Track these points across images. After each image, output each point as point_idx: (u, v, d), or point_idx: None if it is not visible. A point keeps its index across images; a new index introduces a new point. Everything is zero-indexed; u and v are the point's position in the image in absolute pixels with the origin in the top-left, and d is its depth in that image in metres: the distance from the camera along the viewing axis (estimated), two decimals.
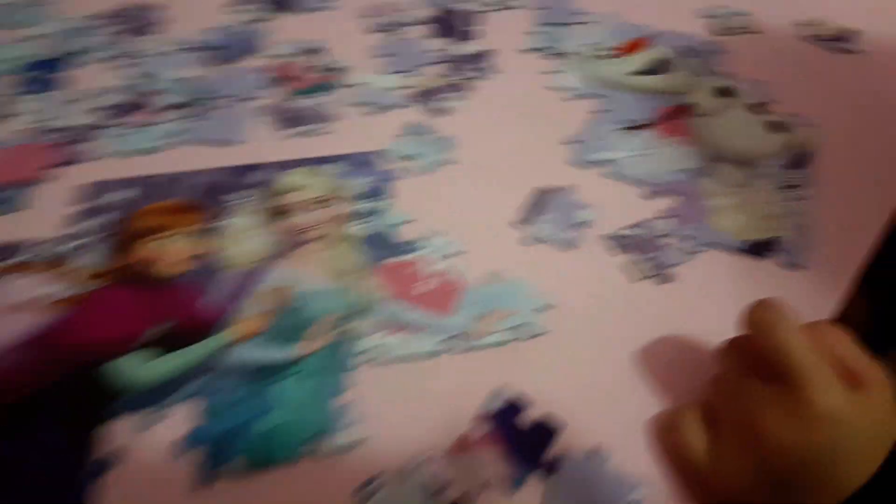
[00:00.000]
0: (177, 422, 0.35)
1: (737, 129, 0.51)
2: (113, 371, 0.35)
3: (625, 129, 0.52)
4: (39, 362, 0.35)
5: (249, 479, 0.33)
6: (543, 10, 0.62)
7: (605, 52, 0.58)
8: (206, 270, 0.41)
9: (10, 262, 0.40)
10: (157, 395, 0.35)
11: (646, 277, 0.42)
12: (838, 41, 0.60)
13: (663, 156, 0.49)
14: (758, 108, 0.53)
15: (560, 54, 0.58)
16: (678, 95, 0.54)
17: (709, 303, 0.41)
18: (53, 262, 0.40)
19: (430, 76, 0.55)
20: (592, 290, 0.41)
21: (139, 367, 0.35)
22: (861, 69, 0.57)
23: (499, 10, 0.62)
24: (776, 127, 0.52)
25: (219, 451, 0.34)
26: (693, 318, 0.40)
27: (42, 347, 0.36)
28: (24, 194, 0.44)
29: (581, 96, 0.54)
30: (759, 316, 0.32)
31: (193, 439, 0.34)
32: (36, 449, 0.33)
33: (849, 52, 0.59)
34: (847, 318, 0.41)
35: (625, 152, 0.50)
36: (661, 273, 0.42)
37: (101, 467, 0.33)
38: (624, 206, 0.46)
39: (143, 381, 0.35)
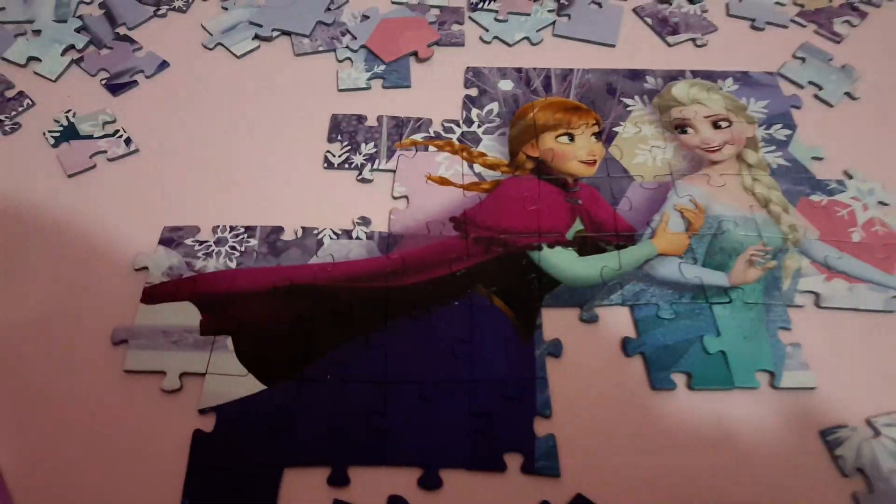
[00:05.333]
0: (611, 325, 0.36)
1: None
2: (540, 259, 0.37)
3: None
4: (466, 240, 0.37)
5: (694, 396, 0.34)
6: None
7: None
8: (611, 177, 0.41)
9: (427, 136, 0.42)
10: (586, 294, 0.37)
11: None
12: None
13: None
14: None
15: None
16: None
17: None
18: (462, 146, 0.42)
19: None
20: None
21: (567, 261, 0.37)
22: None
23: None
24: None
25: (663, 363, 0.35)
26: None
27: (466, 226, 0.38)
28: (413, 71, 0.46)
29: None
30: None
31: (637, 345, 0.35)
32: (478, 320, 0.35)
33: None
34: None
35: None
36: None
37: (551, 351, 0.35)
38: None
39: (571, 276, 0.37)
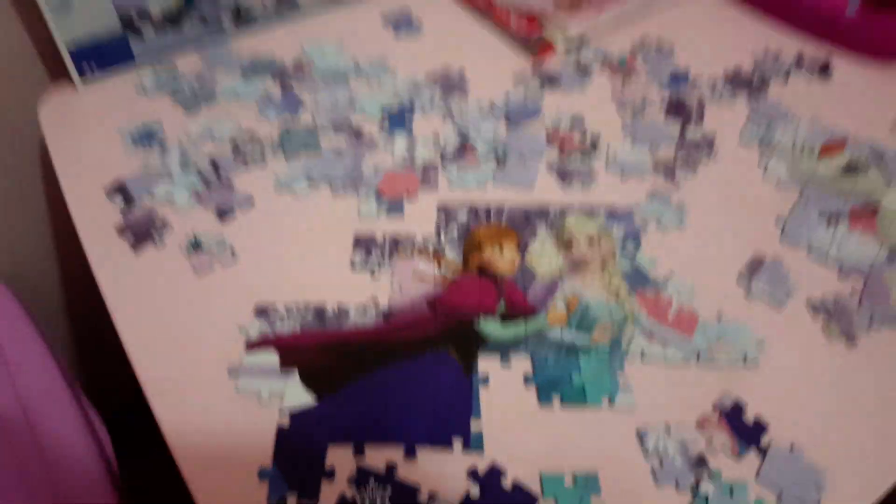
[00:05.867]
0: (518, 367, 0.59)
1: None
2: (479, 326, 0.61)
3: (823, 218, 0.72)
4: (435, 314, 0.62)
5: (564, 409, 0.56)
6: (757, 108, 0.84)
7: (808, 151, 0.79)
8: (523, 276, 0.66)
9: (412, 248, 0.67)
10: (505, 348, 0.60)
11: (838, 338, 0.62)
12: None
13: (855, 245, 0.69)
14: None
15: (770, 146, 0.79)
16: (869, 195, 0.74)
17: (887, 368, 0.61)
18: (435, 254, 0.67)
19: (666, 152, 0.78)
20: (797, 340, 0.62)
21: (495, 328, 0.61)
22: None
23: (721, 102, 0.84)
24: None
25: (547, 390, 0.58)
26: (872, 378, 0.60)
27: (435, 305, 0.62)
28: (406, 206, 0.71)
29: (787, 185, 0.75)
30: None
31: (532, 379, 0.58)
32: (441, 364, 0.59)
33: None
34: None
35: (824, 238, 0.70)
36: (850, 338, 0.62)
37: (483, 381, 0.58)
38: (822, 281, 0.66)
39: (497, 337, 0.61)
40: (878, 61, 0.90)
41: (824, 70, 0.90)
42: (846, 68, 0.90)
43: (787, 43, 0.93)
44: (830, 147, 0.80)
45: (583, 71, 0.88)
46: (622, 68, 0.89)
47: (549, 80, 0.86)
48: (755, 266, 0.68)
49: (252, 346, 0.60)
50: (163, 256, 0.66)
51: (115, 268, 0.66)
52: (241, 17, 0.87)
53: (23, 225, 0.98)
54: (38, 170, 0.94)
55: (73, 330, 1.14)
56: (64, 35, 0.77)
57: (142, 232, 0.67)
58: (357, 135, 0.78)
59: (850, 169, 0.77)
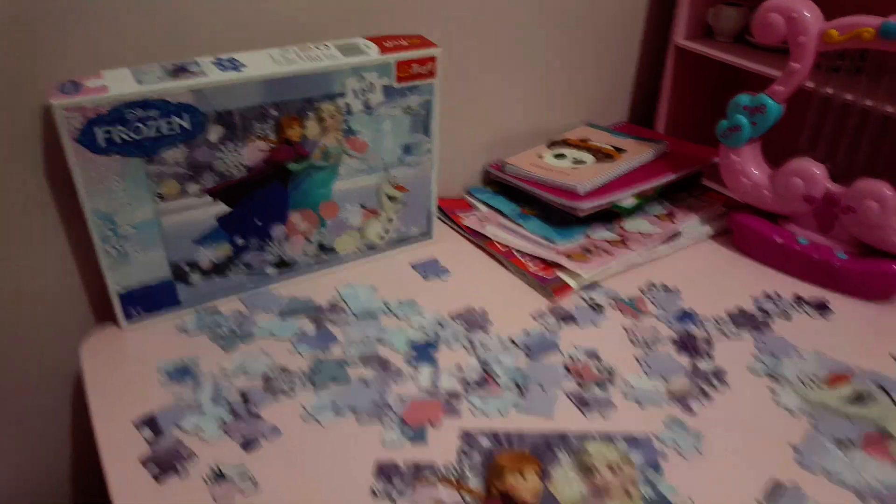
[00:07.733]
0: None
1: None
2: None
3: (838, 445, 0.79)
4: None
5: None
6: (762, 343, 0.96)
7: (815, 382, 0.89)
8: (547, 503, 0.71)
9: (435, 475, 0.74)
10: None
11: None
12: None
13: (873, 472, 0.75)
14: None
15: (778, 378, 0.90)
16: (878, 423, 0.81)
17: None
18: (458, 481, 0.73)
19: (679, 383, 0.89)
20: None
21: None
22: None
23: (728, 338, 0.97)
24: None
25: None
26: None
27: None
28: (429, 433, 0.80)
29: (799, 413, 0.83)
30: None
31: None
32: None
33: None
34: None
35: (841, 464, 0.76)
36: None
37: None
38: None
39: None
40: (871, 300, 1.06)
41: (823, 308, 1.05)
42: (843, 306, 1.05)
43: (783, 284, 1.10)
44: (836, 378, 0.90)
45: (596, 309, 1.04)
46: (632, 308, 1.05)
47: (565, 318, 1.01)
48: (775, 492, 0.73)
49: None
50: (185, 487, 0.73)
51: (135, 498, 0.72)
52: (284, 265, 1.07)
53: (43, 452, 1.08)
54: (68, 401, 1.07)
55: None
56: (116, 284, 0.93)
57: (166, 463, 0.75)
58: (384, 366, 0.90)
59: (858, 399, 0.87)
